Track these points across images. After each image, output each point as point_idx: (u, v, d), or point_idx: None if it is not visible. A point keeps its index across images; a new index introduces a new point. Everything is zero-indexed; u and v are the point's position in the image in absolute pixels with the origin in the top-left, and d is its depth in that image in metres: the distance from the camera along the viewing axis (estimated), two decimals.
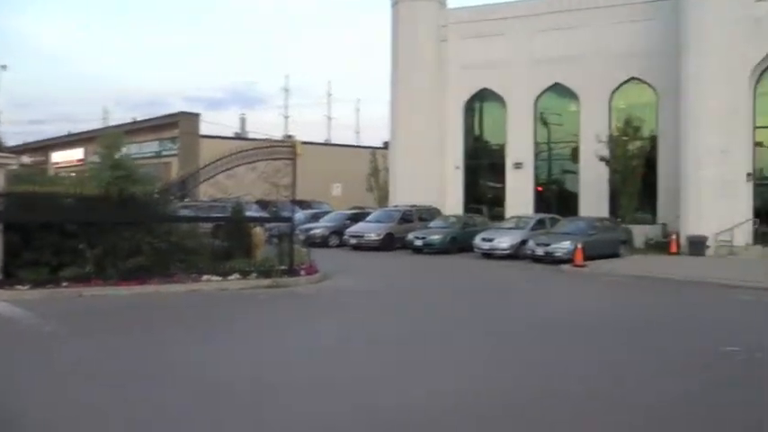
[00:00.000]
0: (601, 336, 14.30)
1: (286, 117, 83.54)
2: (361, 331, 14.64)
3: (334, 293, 20.56)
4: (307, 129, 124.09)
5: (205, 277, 21.19)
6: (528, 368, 11.44)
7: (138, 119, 65.35)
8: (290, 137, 59.92)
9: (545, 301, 19.65)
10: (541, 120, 42.41)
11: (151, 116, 63.00)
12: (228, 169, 22.29)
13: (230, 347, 12.73)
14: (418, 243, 34.44)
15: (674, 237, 33.65)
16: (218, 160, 22.39)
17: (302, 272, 23.13)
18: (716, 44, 33.30)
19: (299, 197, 34.74)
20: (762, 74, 34.06)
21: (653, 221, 37.29)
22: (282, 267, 22.64)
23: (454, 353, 12.62)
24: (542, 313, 17.22)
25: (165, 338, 13.62)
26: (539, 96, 41.91)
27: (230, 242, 23.18)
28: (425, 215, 38.37)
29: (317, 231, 38.38)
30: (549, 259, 29.54)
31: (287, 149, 23.64)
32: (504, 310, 17.96)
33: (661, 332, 14.84)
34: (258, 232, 24.02)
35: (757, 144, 34.42)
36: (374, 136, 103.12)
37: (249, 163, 22.60)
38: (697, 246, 32.37)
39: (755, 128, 34.24)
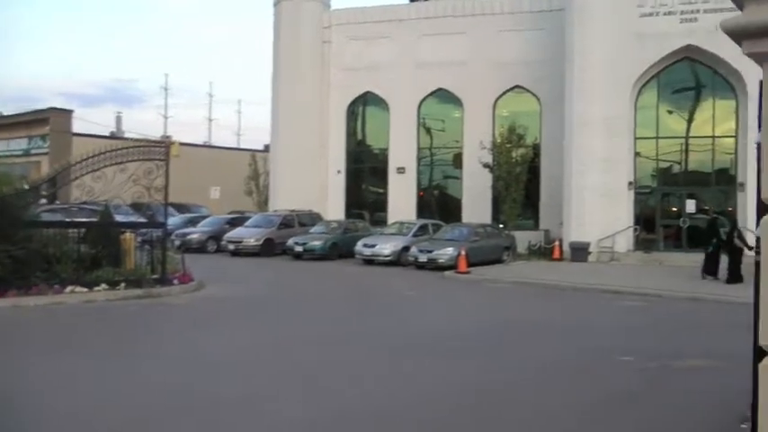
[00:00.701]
0: (486, 348, 13.55)
1: (165, 117, 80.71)
2: (233, 345, 13.47)
3: (207, 304, 19.27)
4: (187, 130, 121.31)
5: (69, 288, 19.21)
6: (408, 381, 10.70)
7: (5, 114, 61.87)
8: (167, 137, 57.80)
9: (428, 310, 18.96)
10: (425, 125, 42.00)
11: (21, 111, 59.59)
12: (96, 170, 20.51)
13: (74, 372, 11.04)
14: (298, 249, 33.33)
15: (557, 243, 33.76)
16: (83, 160, 20.63)
17: (175, 281, 21.56)
18: (600, 57, 33.73)
19: (176, 200, 33.30)
20: (642, 87, 34.84)
21: (536, 228, 37.31)
22: (155, 276, 21.05)
23: (333, 365, 11.75)
24: (425, 323, 16.49)
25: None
26: (422, 101, 41.47)
27: (98, 249, 21.19)
28: (306, 220, 37.28)
29: (194, 236, 36.79)
30: (432, 266, 28.93)
31: (161, 150, 22.04)
32: (385, 320, 17.05)
33: (549, 341, 14.23)
34: (128, 238, 22.09)
35: (637, 154, 35.18)
36: (256, 138, 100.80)
37: (119, 164, 20.84)
38: (580, 252, 32.53)
39: (636, 139, 34.96)
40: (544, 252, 34.36)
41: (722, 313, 18.83)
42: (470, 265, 27.65)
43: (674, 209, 35.70)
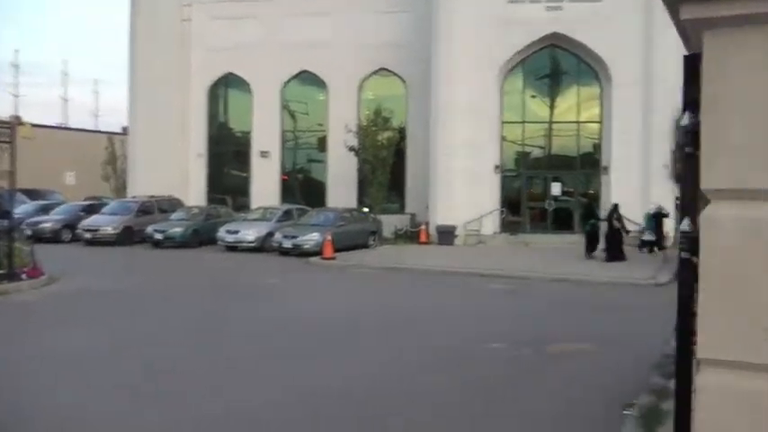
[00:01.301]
0: (354, 337, 12.93)
1: (16, 96, 76.35)
2: (86, 344, 12.30)
3: (59, 299, 17.73)
4: (40, 110, 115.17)
5: None
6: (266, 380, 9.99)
7: None
8: (17, 118, 54.57)
9: (289, 299, 17.99)
10: (288, 107, 40.91)
11: None
12: None
13: None
14: (158, 236, 31.77)
15: (423, 227, 33.40)
16: None
17: (24, 275, 19.76)
18: (467, 41, 33.54)
19: (27, 186, 31.14)
20: (509, 72, 34.95)
21: (402, 212, 36.92)
22: (0, 271, 19.40)
23: (193, 360, 10.99)
24: (287, 313, 15.66)
25: None
26: (286, 83, 40.33)
27: None
28: (166, 206, 35.64)
29: (47, 225, 34.37)
30: (297, 252, 28.06)
31: (6, 132, 20.28)
32: (243, 311, 16.11)
33: (417, 329, 13.68)
34: None
35: (504, 138, 35.31)
36: (115, 121, 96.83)
37: None
38: (446, 235, 32.35)
39: (503, 123, 35.06)
40: (411, 236, 34.00)
41: (588, 294, 18.87)
42: (336, 250, 26.92)
43: (540, 192, 36.02)
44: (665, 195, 31.00)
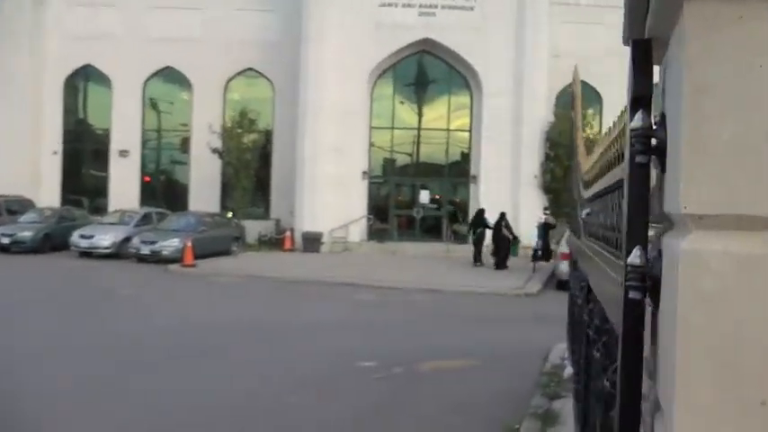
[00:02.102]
0: (207, 355, 11.87)
1: None
2: None
3: None
4: None
5: None
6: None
7: None
8: None
9: (139, 313, 16.56)
10: (151, 105, 39.07)
11: None
12: None
13: None
14: (5, 241, 29.50)
15: (288, 233, 32.48)
16: None
17: None
18: (336, 44, 32.94)
19: None
20: (379, 77, 34.59)
21: (267, 217, 35.78)
22: None
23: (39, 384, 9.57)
24: (133, 329, 14.32)
25: None
26: (148, 79, 38.39)
27: None
28: (16, 207, 33.28)
29: None
30: (156, 258, 26.59)
31: None
32: (87, 327, 14.70)
33: (281, 346, 12.77)
34: None
35: (372, 144, 34.91)
36: None
37: None
38: (312, 242, 31.63)
39: (372, 128, 34.68)
40: (275, 242, 32.95)
41: (461, 305, 18.40)
42: (197, 257, 25.61)
43: (408, 199, 35.75)
44: (534, 206, 31.16)
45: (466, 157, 35.14)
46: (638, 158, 2.55)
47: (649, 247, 2.45)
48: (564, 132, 32.61)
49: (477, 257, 27.44)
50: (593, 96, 32.28)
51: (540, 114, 33.22)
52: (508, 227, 27.56)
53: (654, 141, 2.42)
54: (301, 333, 13.99)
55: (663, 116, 2.46)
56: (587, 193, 5.21)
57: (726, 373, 2.14)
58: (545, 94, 33.49)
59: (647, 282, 2.43)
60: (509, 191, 32.49)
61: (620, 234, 3.35)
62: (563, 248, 22.13)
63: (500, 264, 26.51)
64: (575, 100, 7.86)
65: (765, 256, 2.06)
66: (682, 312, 2.15)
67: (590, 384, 5.06)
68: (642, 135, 2.52)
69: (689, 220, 2.16)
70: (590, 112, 31.75)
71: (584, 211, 5.07)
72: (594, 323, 4.56)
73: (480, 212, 29.05)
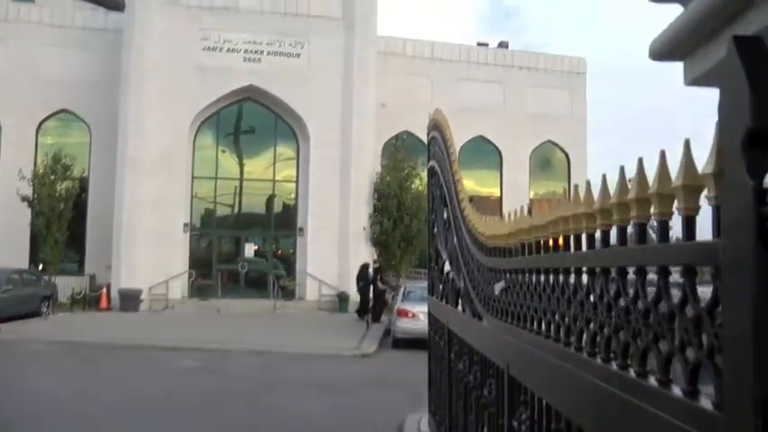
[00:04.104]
0: None
1: None
2: None
3: None
4: None
5: None
6: None
7: None
8: None
9: None
10: None
11: None
12: None
13: None
14: None
15: (104, 290, 30.44)
16: None
17: None
18: (158, 87, 31.47)
19: None
20: (202, 124, 33.40)
21: (81, 272, 33.31)
22: None
23: None
24: None
25: None
26: None
27: None
28: None
29: None
30: None
31: None
32: None
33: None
34: None
35: (195, 195, 33.60)
36: None
37: None
38: (130, 300, 29.65)
39: (194, 178, 33.34)
40: (90, 301, 30.63)
41: (300, 369, 17.25)
42: (2, 320, 23.09)
43: (232, 252, 34.54)
44: (363, 258, 30.53)
45: (292, 208, 34.29)
46: None
47: None
48: (392, 183, 32.38)
49: (362, 312, 27.22)
50: (420, 147, 32.06)
51: (367, 165, 32.82)
52: (384, 280, 28.29)
53: None
54: (115, 413, 12.32)
55: None
56: (498, 263, 4.33)
57: None
58: (372, 144, 33.15)
59: None
60: (337, 243, 31.86)
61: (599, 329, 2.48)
62: (402, 305, 21.52)
63: (376, 317, 26.40)
64: (447, 146, 7.02)
65: None
66: None
67: None
68: None
69: None
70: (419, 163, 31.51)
71: (498, 285, 4.17)
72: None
73: (364, 267, 29.12)
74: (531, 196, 38.19)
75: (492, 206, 34.90)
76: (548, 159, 39.84)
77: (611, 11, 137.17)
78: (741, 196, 1.42)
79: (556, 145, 39.14)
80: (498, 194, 37.86)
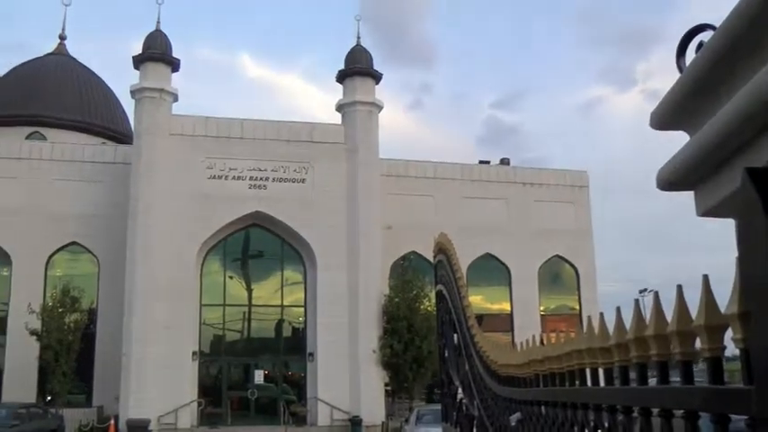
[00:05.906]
0: None
1: None
2: None
3: None
4: None
5: None
6: None
7: None
8: None
9: None
10: None
11: None
12: None
13: None
14: None
15: (112, 421, 29.94)
16: None
17: None
18: (166, 217, 31.78)
19: None
20: (209, 252, 33.56)
21: (89, 404, 32.84)
22: None
23: None
24: None
25: None
26: None
27: None
28: None
29: None
30: None
31: None
32: None
33: None
34: None
35: (203, 322, 33.46)
36: None
37: None
38: (138, 431, 28.84)
39: (202, 305, 33.26)
40: None
41: None
42: None
43: (241, 379, 34.12)
44: (376, 381, 30.11)
45: (301, 332, 34.09)
46: None
47: None
48: (401, 305, 32.11)
49: None
50: (427, 268, 31.80)
51: (375, 287, 32.71)
52: None
53: None
54: None
55: None
56: (512, 393, 4.19)
57: None
58: (379, 266, 33.08)
59: None
60: (347, 366, 31.42)
61: None
62: (416, 429, 21.14)
63: None
64: (454, 271, 6.95)
65: None
66: None
67: None
68: None
69: None
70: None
71: (515, 416, 4.02)
72: None
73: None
74: (542, 311, 37.92)
75: (503, 323, 34.73)
76: (557, 273, 39.67)
77: (609, 129, 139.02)
78: None
79: (563, 259, 39.03)
80: (508, 310, 37.49)
